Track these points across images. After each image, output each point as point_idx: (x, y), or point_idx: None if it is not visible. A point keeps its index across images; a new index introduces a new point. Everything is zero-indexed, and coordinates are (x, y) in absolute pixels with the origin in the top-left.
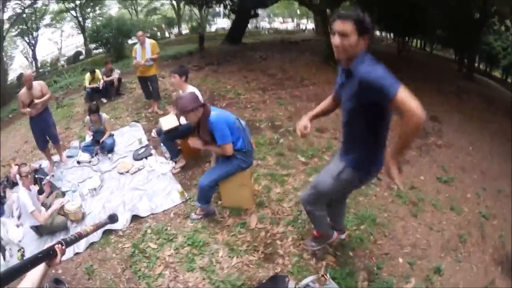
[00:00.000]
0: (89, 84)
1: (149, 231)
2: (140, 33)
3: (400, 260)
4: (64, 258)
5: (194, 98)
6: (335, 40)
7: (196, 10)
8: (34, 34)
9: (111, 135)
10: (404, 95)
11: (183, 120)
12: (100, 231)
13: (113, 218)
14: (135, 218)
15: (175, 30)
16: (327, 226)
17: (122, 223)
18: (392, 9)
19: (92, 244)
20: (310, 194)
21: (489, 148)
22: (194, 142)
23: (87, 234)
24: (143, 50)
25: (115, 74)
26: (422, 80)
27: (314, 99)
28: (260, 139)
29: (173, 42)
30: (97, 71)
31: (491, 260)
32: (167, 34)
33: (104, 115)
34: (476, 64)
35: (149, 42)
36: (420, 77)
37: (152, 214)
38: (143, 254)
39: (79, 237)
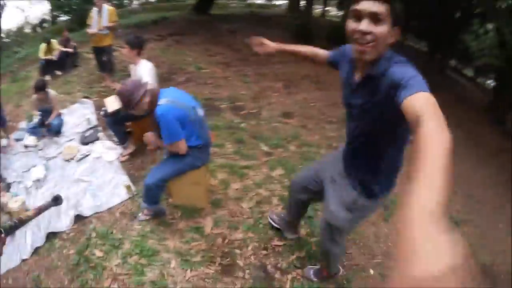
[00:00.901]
0: (44, 55)
1: (93, 234)
2: None
3: (371, 271)
4: (12, 265)
5: (136, 87)
6: (363, 25)
7: None
8: (1, 2)
9: (59, 115)
10: (425, 94)
11: None
12: (43, 233)
13: (57, 200)
14: (79, 216)
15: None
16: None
17: (65, 224)
18: None
19: (37, 249)
20: (325, 233)
21: (460, 148)
22: (149, 139)
23: (29, 219)
24: (100, 17)
25: (72, 45)
26: None
27: (281, 78)
28: (218, 121)
29: (139, 10)
30: (53, 41)
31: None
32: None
33: (51, 92)
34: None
35: (107, 8)
36: None
37: (97, 213)
38: (88, 264)
39: (20, 222)
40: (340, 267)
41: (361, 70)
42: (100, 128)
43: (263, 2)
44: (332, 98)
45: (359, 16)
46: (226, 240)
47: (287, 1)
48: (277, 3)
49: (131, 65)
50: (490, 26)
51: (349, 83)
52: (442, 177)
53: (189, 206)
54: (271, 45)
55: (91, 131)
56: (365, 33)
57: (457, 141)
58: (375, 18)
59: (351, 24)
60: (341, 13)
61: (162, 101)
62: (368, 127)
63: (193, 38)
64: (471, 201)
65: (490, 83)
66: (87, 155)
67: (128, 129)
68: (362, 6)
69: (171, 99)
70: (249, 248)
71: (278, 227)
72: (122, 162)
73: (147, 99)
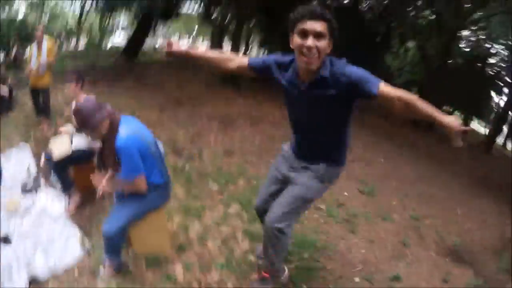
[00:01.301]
0: None
1: None
2: (39, 31)
3: (357, 279)
4: None
5: (97, 107)
6: (308, 42)
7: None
8: None
9: None
10: (385, 83)
11: (76, 142)
12: None
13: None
14: (33, 279)
15: (73, 43)
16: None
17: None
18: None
19: None
20: (287, 215)
21: (399, 157)
22: (100, 181)
23: None
24: (39, 53)
25: (6, 85)
26: None
27: (216, 118)
28: None
29: (70, 55)
30: None
31: (438, 255)
32: (65, 46)
33: None
34: None
35: (47, 42)
36: None
37: (53, 274)
38: None
39: None
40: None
41: (306, 76)
42: (41, 175)
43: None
44: (268, 132)
45: (305, 34)
46: (202, 284)
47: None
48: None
49: (73, 102)
50: (410, 44)
51: (296, 88)
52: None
53: (153, 254)
54: (181, 48)
55: (32, 179)
56: (311, 48)
57: (393, 152)
58: (318, 35)
59: (298, 40)
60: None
61: (123, 130)
62: (326, 117)
63: (124, 84)
64: (422, 198)
65: None
66: (30, 208)
67: (71, 179)
68: (308, 26)
69: (133, 128)
70: (229, 286)
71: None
72: (69, 213)
73: (106, 124)
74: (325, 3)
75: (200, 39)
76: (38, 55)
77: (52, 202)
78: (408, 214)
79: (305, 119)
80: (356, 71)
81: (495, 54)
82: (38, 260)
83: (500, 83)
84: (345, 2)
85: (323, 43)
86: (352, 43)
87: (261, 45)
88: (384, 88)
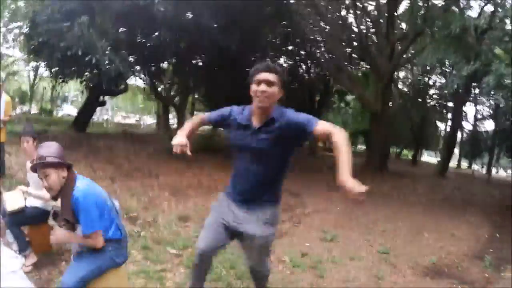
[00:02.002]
0: None
1: None
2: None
3: None
4: None
5: (62, 150)
6: (261, 87)
7: (48, 90)
8: None
9: None
10: (323, 122)
11: (30, 201)
12: None
13: None
14: None
15: (25, 108)
16: None
17: None
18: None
19: None
20: (266, 259)
21: (355, 205)
22: (57, 236)
23: None
24: None
25: None
26: None
27: (167, 188)
28: None
29: (22, 118)
30: None
31: (417, 276)
32: (17, 110)
33: None
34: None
35: (3, 99)
36: None
37: None
38: None
39: None
40: None
41: (259, 118)
42: None
43: (133, 122)
44: None
45: (259, 82)
46: None
47: (154, 121)
48: (144, 122)
49: (27, 163)
50: (349, 97)
51: (249, 129)
52: (350, 165)
53: None
54: (187, 140)
55: None
56: (263, 91)
57: (347, 201)
58: (269, 83)
59: (254, 87)
60: (208, 127)
61: (80, 182)
62: (270, 159)
63: (74, 154)
64: (387, 234)
65: (361, 148)
66: None
67: (27, 238)
68: (262, 76)
69: (89, 183)
70: None
71: None
72: (26, 273)
73: (64, 173)
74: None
75: (145, 116)
76: None
77: (9, 259)
78: (375, 250)
79: (254, 159)
80: (299, 114)
81: (433, 85)
82: None
83: (443, 110)
84: (285, 65)
85: (273, 89)
86: (291, 104)
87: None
88: (319, 126)
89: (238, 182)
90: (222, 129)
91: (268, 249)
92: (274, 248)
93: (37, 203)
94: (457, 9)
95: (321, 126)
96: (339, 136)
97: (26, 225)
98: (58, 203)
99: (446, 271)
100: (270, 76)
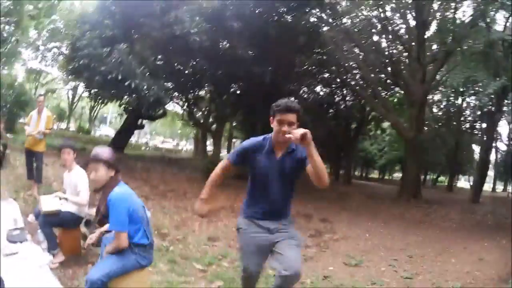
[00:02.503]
0: None
1: None
2: (41, 98)
3: None
4: None
5: (114, 156)
6: (284, 128)
7: (87, 109)
8: None
9: None
10: None
11: (66, 206)
12: None
13: None
14: None
15: (64, 125)
16: None
17: None
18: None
19: None
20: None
21: (386, 230)
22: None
23: None
24: (39, 119)
25: (3, 140)
26: (303, 191)
27: None
28: None
29: (60, 135)
30: None
31: None
32: (55, 126)
33: None
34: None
35: (46, 113)
36: (300, 189)
37: None
38: None
39: None
40: None
41: (280, 150)
42: (27, 232)
43: (171, 147)
44: None
45: (282, 122)
46: None
47: (192, 146)
48: (182, 148)
49: (65, 172)
50: (385, 124)
51: (271, 159)
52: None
53: None
54: (206, 207)
55: (18, 231)
56: (286, 132)
57: (378, 227)
58: (290, 123)
59: (277, 126)
60: None
61: (118, 188)
62: (290, 180)
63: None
64: (414, 259)
65: (398, 176)
66: (14, 253)
67: (57, 240)
68: (283, 117)
69: (127, 190)
70: None
71: None
72: (52, 266)
73: (111, 173)
74: (301, 97)
75: (183, 142)
76: (38, 121)
77: (37, 255)
78: (399, 275)
79: (276, 183)
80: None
81: (467, 107)
82: None
83: (478, 132)
84: (321, 95)
85: (293, 128)
86: (329, 133)
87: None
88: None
89: (260, 203)
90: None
91: (299, 248)
92: None
93: (72, 209)
94: (484, 24)
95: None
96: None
97: (59, 227)
98: (91, 211)
99: None
100: (291, 117)
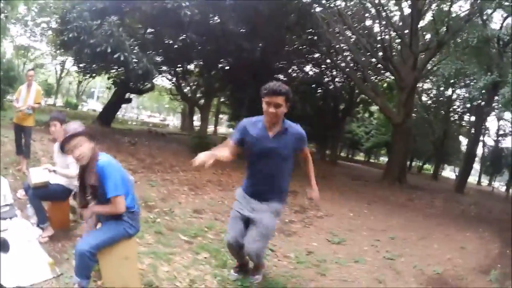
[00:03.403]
0: None
1: None
2: (31, 72)
3: None
4: None
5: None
6: (271, 109)
7: (74, 85)
8: None
9: None
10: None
11: (55, 179)
12: None
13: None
14: None
15: (51, 100)
16: None
17: None
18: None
19: None
20: (264, 242)
21: (369, 211)
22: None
23: None
24: (28, 94)
25: None
26: None
27: (186, 183)
28: None
29: (46, 111)
30: None
31: (419, 285)
32: (42, 102)
33: None
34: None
35: (35, 87)
36: None
37: (18, 287)
38: None
39: None
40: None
41: (272, 129)
42: (16, 208)
43: (157, 121)
44: None
45: (269, 104)
46: None
47: (179, 121)
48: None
49: (55, 144)
50: (373, 108)
51: (265, 138)
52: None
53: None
54: (211, 161)
55: (8, 207)
56: (272, 113)
57: (362, 207)
58: (276, 105)
59: (265, 107)
60: (230, 130)
61: (102, 156)
62: (284, 158)
63: (99, 147)
64: (396, 241)
65: (383, 160)
66: (3, 230)
67: (46, 213)
68: (270, 99)
69: (109, 156)
70: None
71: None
72: (41, 243)
73: (93, 145)
74: (290, 76)
75: (170, 116)
76: (27, 96)
77: (26, 229)
78: (381, 255)
79: (267, 161)
80: (303, 133)
81: (457, 98)
82: (5, 271)
83: (466, 125)
84: (310, 75)
85: (280, 109)
86: (317, 113)
87: (230, 119)
88: (306, 148)
89: (253, 180)
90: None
91: (268, 234)
92: (282, 244)
93: (61, 181)
94: (480, 21)
95: (306, 148)
96: (310, 158)
97: (48, 201)
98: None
99: (450, 281)
100: (278, 99)
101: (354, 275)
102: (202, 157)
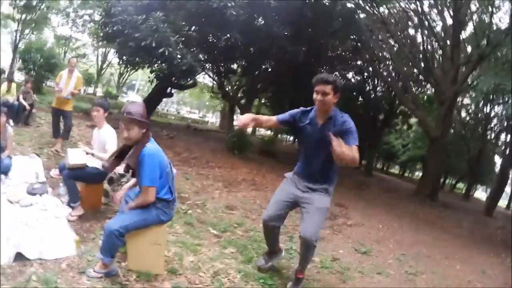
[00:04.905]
0: (2, 95)
1: (34, 278)
2: (74, 60)
3: None
4: None
5: (145, 110)
6: (319, 97)
7: (115, 76)
8: None
9: (9, 157)
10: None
11: (92, 162)
12: None
13: None
14: (18, 257)
15: (91, 89)
16: None
17: (4, 259)
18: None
19: None
20: (318, 223)
21: (398, 224)
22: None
23: None
24: (68, 80)
25: (31, 99)
26: None
27: (220, 179)
28: None
29: (85, 99)
30: (14, 84)
31: None
32: (82, 91)
33: (9, 129)
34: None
35: (76, 73)
36: None
37: (40, 259)
38: None
39: None
40: None
41: (321, 117)
42: (48, 185)
43: (196, 118)
44: (270, 197)
45: (317, 92)
46: None
47: (217, 120)
48: (208, 119)
49: (94, 129)
50: (412, 120)
51: (315, 125)
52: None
53: (144, 271)
54: (251, 123)
55: (40, 184)
56: (320, 101)
57: (392, 220)
58: (324, 93)
59: (314, 95)
60: (269, 132)
61: (150, 145)
62: (326, 148)
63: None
64: (420, 257)
65: (418, 175)
66: (33, 204)
67: (79, 194)
68: (318, 88)
69: (158, 148)
70: None
71: (270, 264)
72: (69, 221)
73: (142, 131)
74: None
75: (209, 114)
76: (68, 81)
77: (55, 206)
78: (404, 270)
79: (317, 148)
80: (352, 125)
81: (494, 116)
82: (30, 244)
83: (502, 144)
84: (352, 82)
85: (328, 98)
86: (356, 122)
87: None
88: (355, 147)
89: (304, 164)
90: (285, 132)
91: (322, 217)
92: None
93: (98, 165)
94: None
95: (355, 148)
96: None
97: (82, 181)
98: (116, 169)
99: None
100: (326, 88)
101: (375, 286)
102: (243, 118)
